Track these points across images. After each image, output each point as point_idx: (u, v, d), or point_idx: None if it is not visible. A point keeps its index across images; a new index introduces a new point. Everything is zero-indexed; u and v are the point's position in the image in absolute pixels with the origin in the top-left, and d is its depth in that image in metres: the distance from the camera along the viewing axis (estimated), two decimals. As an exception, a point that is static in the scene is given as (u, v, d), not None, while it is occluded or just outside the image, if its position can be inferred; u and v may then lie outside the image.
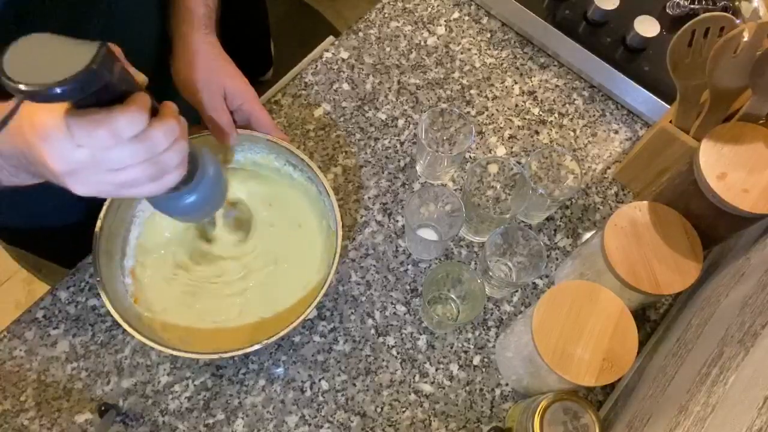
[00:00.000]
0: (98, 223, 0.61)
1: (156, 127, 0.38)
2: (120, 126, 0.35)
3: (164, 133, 0.39)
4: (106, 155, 0.37)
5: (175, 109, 0.41)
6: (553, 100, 0.84)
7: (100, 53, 0.32)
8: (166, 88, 0.67)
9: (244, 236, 0.69)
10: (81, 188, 0.39)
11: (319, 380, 0.66)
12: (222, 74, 0.63)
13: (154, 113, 0.39)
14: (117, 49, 0.38)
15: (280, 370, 0.67)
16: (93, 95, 0.34)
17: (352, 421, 0.65)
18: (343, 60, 0.85)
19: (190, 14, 0.62)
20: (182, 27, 0.63)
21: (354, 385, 0.66)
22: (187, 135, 0.43)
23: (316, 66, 0.84)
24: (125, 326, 0.57)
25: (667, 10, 0.81)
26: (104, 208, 0.61)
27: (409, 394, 0.66)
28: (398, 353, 0.68)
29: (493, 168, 0.73)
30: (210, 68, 0.63)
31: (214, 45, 0.64)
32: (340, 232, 0.62)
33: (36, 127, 0.36)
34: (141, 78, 0.40)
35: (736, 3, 0.77)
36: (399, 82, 0.84)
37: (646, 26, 0.78)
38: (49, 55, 0.32)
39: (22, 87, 0.31)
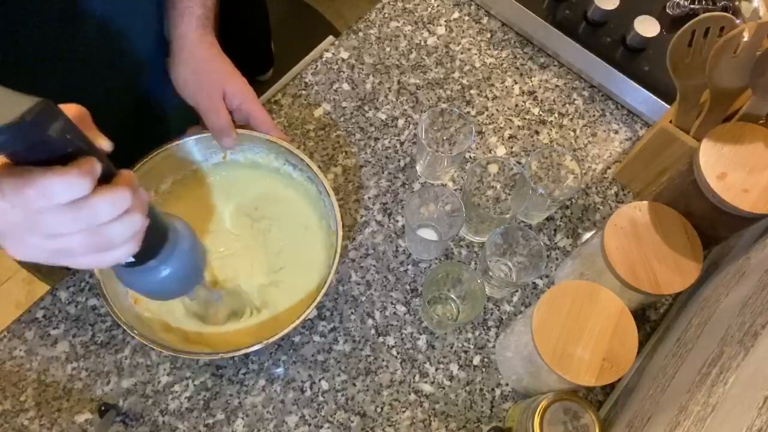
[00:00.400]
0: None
1: (100, 196, 0.35)
2: (52, 188, 0.32)
3: (110, 203, 0.35)
4: (41, 219, 0.34)
5: (133, 180, 0.38)
6: (553, 100, 0.84)
7: (35, 108, 0.30)
8: (164, 89, 0.67)
9: (237, 319, 0.66)
10: (15, 250, 0.37)
11: (319, 380, 0.66)
12: (221, 74, 0.63)
13: (108, 179, 0.36)
14: (81, 111, 0.36)
15: (280, 370, 0.67)
16: (31, 153, 0.32)
17: (352, 421, 0.65)
18: (343, 60, 0.85)
19: (188, 14, 0.62)
20: (180, 27, 0.62)
21: (354, 385, 0.66)
22: (145, 210, 0.39)
23: (316, 66, 0.84)
24: (125, 327, 0.57)
25: (667, 10, 0.81)
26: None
27: (409, 394, 0.66)
28: (398, 353, 0.68)
29: (493, 168, 0.73)
30: (208, 68, 0.63)
31: (212, 45, 0.64)
32: (341, 232, 0.62)
33: None
34: (103, 142, 0.37)
35: (736, 3, 0.77)
36: (399, 82, 0.84)
37: (646, 26, 0.78)
38: None
39: None
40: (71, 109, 0.36)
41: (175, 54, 0.63)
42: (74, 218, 0.34)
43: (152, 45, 0.66)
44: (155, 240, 0.43)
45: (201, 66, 0.62)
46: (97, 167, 0.35)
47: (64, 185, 0.33)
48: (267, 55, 1.73)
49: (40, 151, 0.32)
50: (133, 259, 0.41)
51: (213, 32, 0.65)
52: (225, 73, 0.64)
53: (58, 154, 0.33)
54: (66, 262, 0.38)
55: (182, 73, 0.62)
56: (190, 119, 0.71)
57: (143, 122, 0.73)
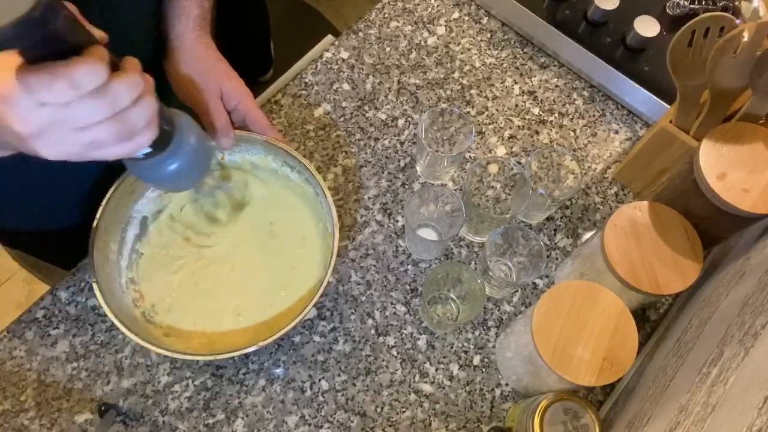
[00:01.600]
0: (94, 223, 0.61)
1: (117, 81, 0.37)
2: (78, 76, 0.34)
3: (127, 86, 0.38)
4: (69, 112, 0.36)
5: (138, 65, 0.40)
6: (553, 100, 0.84)
7: (41, 1, 0.31)
8: (160, 91, 0.67)
9: (240, 209, 0.69)
10: (49, 150, 0.38)
11: (319, 380, 0.66)
12: (218, 74, 0.63)
13: (115, 69, 0.38)
14: (70, 5, 0.37)
15: (280, 370, 0.67)
16: (44, 47, 0.34)
17: (352, 421, 0.65)
18: (343, 60, 0.85)
19: (185, 15, 0.62)
20: (177, 27, 0.63)
21: (354, 385, 0.66)
22: (154, 93, 0.42)
23: (316, 66, 0.84)
24: (122, 329, 0.57)
25: (667, 10, 0.81)
26: (100, 208, 0.61)
27: (409, 394, 0.66)
28: (398, 353, 0.68)
29: (493, 168, 0.73)
30: (205, 69, 0.63)
31: (209, 45, 0.64)
32: (337, 233, 0.62)
33: None
34: (100, 33, 0.39)
35: (736, 3, 0.77)
36: (399, 82, 0.84)
37: (646, 26, 0.78)
38: None
39: None
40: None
41: (172, 54, 0.63)
42: (99, 106, 0.37)
43: (150, 45, 0.66)
44: (166, 129, 0.46)
45: (198, 66, 0.62)
46: (106, 54, 0.37)
47: (88, 72, 0.35)
48: (267, 55, 1.73)
49: (51, 45, 0.34)
50: (150, 149, 0.44)
51: (210, 33, 0.65)
52: (222, 73, 0.64)
53: (68, 47, 0.35)
54: (98, 155, 0.40)
55: (179, 73, 0.62)
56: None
57: None
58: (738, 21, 0.61)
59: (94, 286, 0.58)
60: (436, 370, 0.67)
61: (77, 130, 0.37)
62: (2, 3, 0.31)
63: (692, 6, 0.80)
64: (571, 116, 0.83)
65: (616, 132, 0.82)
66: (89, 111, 0.36)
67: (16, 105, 0.35)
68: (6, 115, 0.36)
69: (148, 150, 0.45)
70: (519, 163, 0.79)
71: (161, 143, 0.46)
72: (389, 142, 0.80)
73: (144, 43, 0.65)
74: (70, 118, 0.36)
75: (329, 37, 0.92)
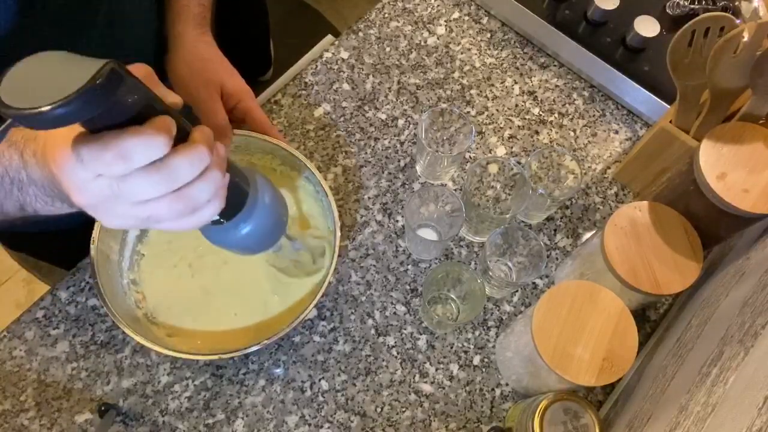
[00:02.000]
0: (96, 223, 0.61)
1: (179, 155, 0.34)
2: (129, 149, 0.32)
3: (190, 161, 0.35)
4: (124, 186, 0.34)
5: (209, 135, 0.37)
6: (553, 100, 0.84)
7: (103, 72, 0.29)
8: None
9: (321, 262, 0.66)
10: (108, 221, 0.37)
11: (319, 380, 0.66)
12: (218, 73, 0.63)
13: (184, 138, 0.36)
14: (146, 70, 0.35)
15: (280, 370, 0.67)
16: (104, 118, 0.31)
17: (352, 421, 0.65)
18: (343, 60, 0.85)
19: (185, 13, 0.62)
20: (177, 26, 0.62)
21: (354, 385, 0.66)
22: (226, 164, 0.39)
23: (316, 66, 0.84)
24: (124, 328, 0.57)
25: (667, 10, 0.81)
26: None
27: (409, 394, 0.66)
28: (398, 353, 0.68)
29: (493, 168, 0.73)
30: (206, 67, 0.63)
31: (209, 44, 0.64)
32: (338, 232, 0.62)
33: (53, 156, 0.34)
34: (174, 99, 0.37)
35: (736, 3, 0.77)
36: (399, 82, 0.84)
37: (646, 26, 0.78)
38: (50, 76, 0.30)
39: (11, 111, 0.28)
40: (138, 69, 0.35)
41: (173, 52, 0.63)
42: (156, 181, 0.34)
43: (152, 44, 0.66)
44: (238, 195, 0.43)
45: (198, 65, 0.62)
46: (172, 125, 0.34)
47: (141, 145, 0.32)
48: (266, 55, 1.73)
49: (113, 115, 0.32)
50: (218, 218, 0.41)
51: (210, 31, 0.65)
52: (222, 72, 0.64)
53: (132, 116, 0.33)
54: (161, 227, 0.38)
55: (180, 72, 0.62)
56: (187, 118, 0.71)
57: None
58: (738, 21, 0.61)
59: (97, 286, 0.58)
60: (436, 370, 0.67)
61: (135, 204, 0.35)
62: (61, 78, 0.29)
63: (692, 6, 0.80)
64: (571, 116, 0.83)
65: (616, 132, 0.82)
66: (145, 186, 0.34)
67: (73, 175, 0.34)
68: (63, 183, 0.35)
69: (216, 218, 0.42)
70: (519, 163, 0.79)
71: (231, 210, 0.43)
72: (389, 142, 0.80)
73: (146, 42, 0.65)
74: (125, 192, 0.34)
75: (329, 37, 0.92)
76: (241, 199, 0.44)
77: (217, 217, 0.41)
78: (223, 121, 0.62)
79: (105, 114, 0.31)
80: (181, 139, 0.36)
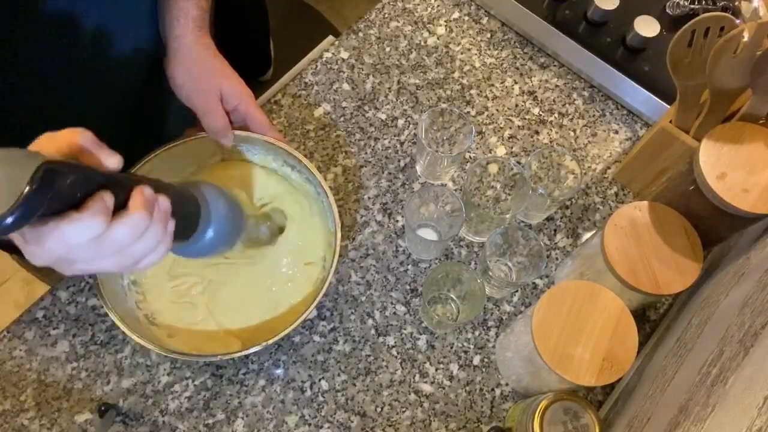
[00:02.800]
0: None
1: (119, 226, 0.37)
2: (68, 235, 0.35)
3: (129, 230, 0.37)
4: (71, 254, 0.36)
5: (147, 196, 0.39)
6: (553, 100, 0.84)
7: (34, 180, 0.30)
8: (161, 92, 0.67)
9: (280, 234, 0.69)
10: (63, 273, 0.39)
11: (319, 380, 0.66)
12: (217, 75, 0.63)
13: (125, 200, 0.38)
14: (86, 136, 0.37)
15: (280, 371, 0.67)
16: (45, 211, 0.33)
17: (352, 421, 0.65)
18: (343, 60, 0.85)
19: (183, 16, 0.62)
20: (176, 29, 0.63)
21: (354, 385, 0.66)
22: (168, 214, 0.41)
23: (316, 66, 0.84)
24: (125, 329, 0.57)
25: (667, 10, 0.81)
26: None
27: (409, 394, 0.66)
28: (398, 353, 0.68)
29: (493, 168, 0.73)
30: (205, 69, 0.63)
31: (208, 46, 0.64)
32: (339, 233, 0.62)
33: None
34: (112, 160, 0.39)
35: (736, 3, 0.77)
36: (399, 82, 0.84)
37: (646, 26, 0.78)
38: None
39: None
40: (74, 135, 0.37)
41: (172, 55, 0.63)
42: (99, 249, 0.37)
43: (149, 47, 0.66)
44: (189, 219, 0.46)
45: (197, 67, 0.62)
46: (109, 201, 0.36)
47: (78, 230, 0.35)
48: (266, 55, 1.73)
49: (52, 205, 0.33)
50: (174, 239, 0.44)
51: (209, 33, 0.65)
52: (222, 74, 0.64)
53: (71, 201, 0.34)
54: (115, 273, 0.41)
55: (179, 75, 0.62)
56: (187, 121, 0.70)
57: (141, 124, 0.73)
58: (738, 21, 0.61)
59: (97, 287, 0.58)
60: (436, 370, 0.67)
61: (82, 264, 0.38)
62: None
63: (692, 6, 0.80)
64: (571, 116, 0.83)
65: (616, 132, 0.82)
66: (89, 254, 0.37)
67: (21, 245, 0.37)
68: (20, 246, 0.38)
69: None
70: (519, 163, 0.79)
71: (185, 232, 0.46)
72: (389, 142, 0.80)
73: (143, 45, 0.65)
74: (72, 257, 0.37)
75: (329, 38, 0.92)
76: (193, 221, 0.47)
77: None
78: (223, 122, 0.63)
79: (46, 207, 0.33)
80: (123, 201, 0.38)
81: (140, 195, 0.39)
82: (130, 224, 0.37)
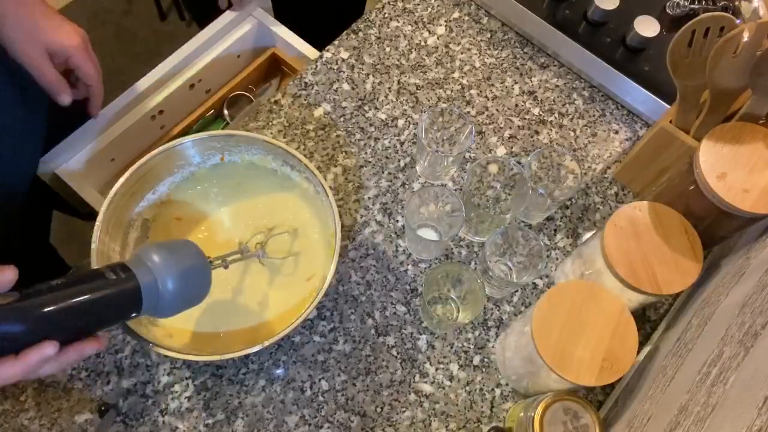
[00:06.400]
0: (96, 223, 0.61)
1: (16, 373, 0.39)
2: None
3: (24, 373, 0.40)
4: None
5: (44, 351, 0.41)
6: (553, 100, 0.84)
7: None
8: (5, 65, 0.66)
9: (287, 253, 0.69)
10: None
11: (319, 380, 0.66)
12: (41, 33, 0.63)
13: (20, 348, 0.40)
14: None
15: (280, 371, 0.67)
16: None
17: (352, 421, 0.65)
18: (343, 60, 0.85)
19: None
20: None
21: (354, 385, 0.66)
22: (55, 353, 0.42)
23: (316, 66, 0.84)
24: (125, 329, 0.57)
25: (667, 10, 0.81)
26: (102, 209, 0.61)
27: (409, 394, 0.66)
28: (398, 353, 0.68)
29: (493, 168, 0.73)
30: (28, 29, 0.63)
31: (23, 4, 0.63)
32: (339, 233, 0.62)
33: None
34: (8, 274, 0.40)
35: (736, 3, 0.77)
36: (399, 82, 0.84)
37: (646, 26, 0.78)
38: None
39: None
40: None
41: (0, 17, 0.63)
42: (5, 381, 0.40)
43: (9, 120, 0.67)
44: (123, 307, 0.46)
45: (20, 29, 0.62)
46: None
47: None
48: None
49: None
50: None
51: None
52: (45, 31, 0.63)
53: None
54: None
55: (7, 37, 0.63)
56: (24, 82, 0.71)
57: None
58: (738, 21, 0.61)
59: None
60: (436, 370, 0.67)
61: None
62: None
63: (692, 6, 0.80)
64: (571, 116, 0.83)
65: (616, 132, 0.82)
66: None
67: None
68: None
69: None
70: (519, 163, 0.79)
71: (130, 312, 0.46)
72: (389, 142, 0.80)
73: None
74: None
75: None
76: (133, 304, 0.46)
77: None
78: (53, 79, 0.63)
79: None
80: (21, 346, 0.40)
81: (37, 352, 0.41)
82: (24, 371, 0.40)
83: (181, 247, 0.50)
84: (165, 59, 0.85)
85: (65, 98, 0.64)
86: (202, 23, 0.89)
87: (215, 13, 0.88)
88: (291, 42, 0.90)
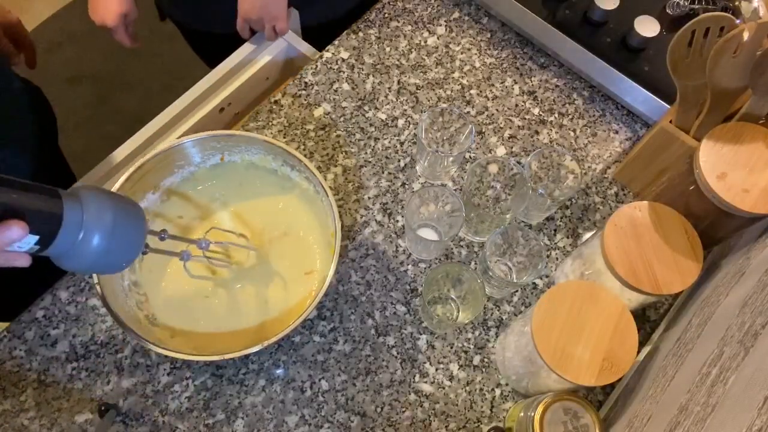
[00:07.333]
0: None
1: None
2: None
3: None
4: None
5: None
6: (553, 100, 0.84)
7: None
8: None
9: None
10: None
11: (319, 380, 0.66)
12: None
13: None
14: None
15: (280, 371, 0.67)
16: None
17: (352, 421, 0.65)
18: (343, 60, 0.85)
19: None
20: None
21: (354, 385, 0.66)
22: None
23: (316, 66, 0.84)
24: (125, 329, 0.57)
25: (667, 10, 0.81)
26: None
27: (409, 394, 0.66)
28: (398, 353, 0.68)
29: (493, 168, 0.73)
30: None
31: None
32: (339, 233, 0.62)
33: None
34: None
35: (736, 3, 0.77)
36: (399, 82, 0.84)
37: (646, 26, 0.78)
38: None
39: None
40: None
41: None
42: None
43: None
44: (45, 225, 0.42)
45: None
46: None
47: None
48: None
49: None
50: (36, 246, 0.42)
51: None
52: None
53: None
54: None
55: None
56: None
57: None
58: (738, 21, 0.61)
59: (97, 288, 0.58)
60: (436, 370, 0.67)
61: None
62: None
63: (692, 6, 0.80)
64: (571, 116, 0.83)
65: (616, 132, 0.82)
66: None
67: None
68: None
69: (35, 247, 0.42)
70: (519, 163, 0.79)
71: (45, 241, 0.43)
72: (389, 142, 0.80)
73: None
74: None
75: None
76: (48, 226, 0.43)
77: (36, 246, 0.42)
78: (5, 45, 0.72)
79: None
80: None
81: None
82: None
83: (126, 208, 0.47)
84: (196, 83, 0.82)
85: (17, 59, 0.75)
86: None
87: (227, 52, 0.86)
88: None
